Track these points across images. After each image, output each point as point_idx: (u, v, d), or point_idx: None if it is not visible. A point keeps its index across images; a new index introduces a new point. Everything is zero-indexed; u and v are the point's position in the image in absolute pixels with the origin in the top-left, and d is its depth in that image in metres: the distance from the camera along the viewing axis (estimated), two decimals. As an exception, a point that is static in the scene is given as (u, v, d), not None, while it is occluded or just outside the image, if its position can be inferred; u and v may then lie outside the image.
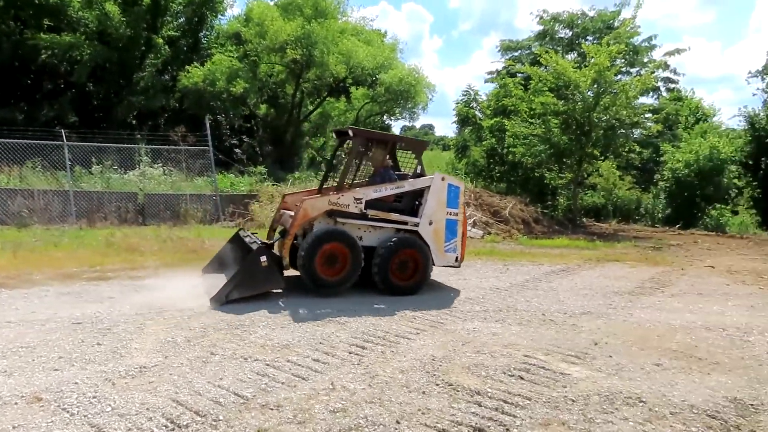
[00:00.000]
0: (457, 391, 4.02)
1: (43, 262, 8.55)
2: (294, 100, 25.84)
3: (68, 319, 5.61)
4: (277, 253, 7.24)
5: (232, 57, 23.83)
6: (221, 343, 4.97)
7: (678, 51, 24.07)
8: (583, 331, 5.78)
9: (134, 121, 24.21)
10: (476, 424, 3.50)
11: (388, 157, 7.99)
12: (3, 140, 13.24)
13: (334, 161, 8.53)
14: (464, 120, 26.15)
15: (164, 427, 3.35)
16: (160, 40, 23.75)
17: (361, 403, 3.77)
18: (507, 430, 3.45)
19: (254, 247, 6.87)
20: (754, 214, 20.58)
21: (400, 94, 25.89)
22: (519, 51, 27.95)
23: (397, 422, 3.49)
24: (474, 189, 17.28)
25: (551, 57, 17.64)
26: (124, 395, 3.78)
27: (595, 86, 16.79)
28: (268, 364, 4.45)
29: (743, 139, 21.42)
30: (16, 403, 3.61)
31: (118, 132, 18.22)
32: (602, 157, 19.42)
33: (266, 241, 7.40)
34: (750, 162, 20.86)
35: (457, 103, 26.63)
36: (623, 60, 21.36)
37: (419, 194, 7.57)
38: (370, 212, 7.16)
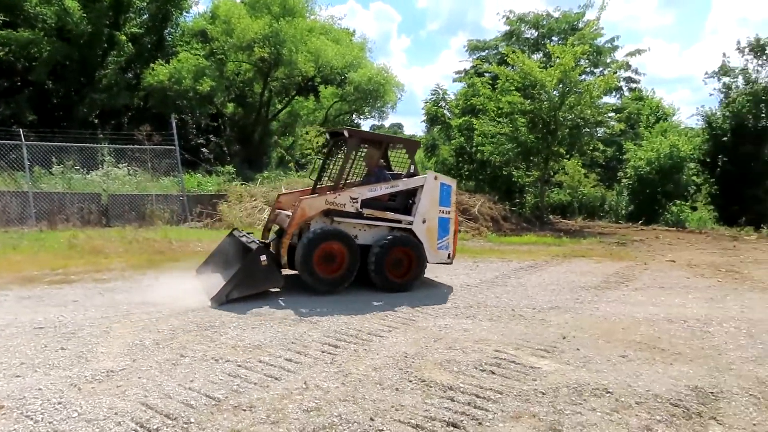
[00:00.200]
0: (430, 386, 4.06)
1: (1, 266, 8.26)
2: (262, 98, 25.56)
3: (30, 324, 5.43)
4: (274, 253, 7.22)
5: (199, 55, 23.42)
6: (191, 344, 4.89)
7: (639, 51, 24.77)
8: (551, 326, 5.90)
9: (96, 120, 23.56)
10: (449, 418, 3.54)
11: (369, 155, 8.07)
12: (-44, 140, 12.72)
13: (327, 161, 8.51)
14: (433, 119, 26.33)
15: (134, 432, 3.28)
16: (123, 37, 23.17)
17: (335, 401, 3.76)
18: (479, 423, 3.50)
19: (253, 246, 6.86)
20: (712, 210, 21.35)
21: (369, 93, 25.89)
22: (486, 51, 28.30)
23: (371, 419, 3.51)
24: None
25: (518, 57, 17.93)
26: (91, 400, 3.68)
27: (561, 86, 17.14)
28: (239, 365, 4.40)
29: (701, 138, 22.20)
30: (-24, 412, 3.48)
31: (79, 131, 17.68)
32: (568, 156, 19.83)
33: (264, 241, 7.43)
34: (707, 160, 21.64)
35: (426, 103, 26.81)
36: (587, 60, 21.85)
37: (412, 193, 7.71)
38: (366, 211, 7.27)
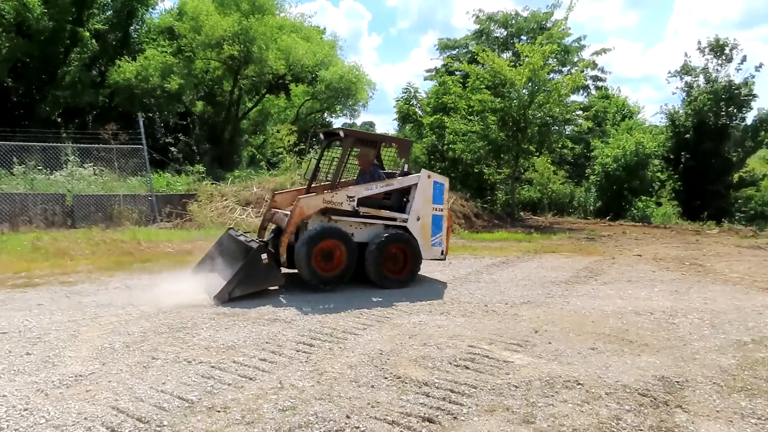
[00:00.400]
0: (406, 383, 4.08)
1: (-39, 269, 7.97)
2: (232, 97, 25.22)
3: (-7, 329, 5.27)
4: (273, 251, 7.21)
5: (166, 52, 22.95)
6: (163, 347, 4.81)
7: (604, 50, 25.33)
8: (523, 320, 5.99)
9: (60, 119, 22.88)
10: (425, 414, 3.57)
11: (363, 154, 8.19)
12: None
13: (321, 161, 8.56)
14: (405, 117, 26.40)
15: (105, 436, 3.22)
16: (87, 34, 22.53)
17: (311, 400, 3.75)
18: (455, 418, 3.54)
19: (253, 245, 6.89)
20: (676, 205, 22.00)
21: (340, 91, 25.81)
22: (457, 49, 28.50)
23: (347, 417, 3.51)
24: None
25: (488, 56, 18.13)
26: (59, 406, 3.59)
27: (530, 84, 17.39)
28: (213, 366, 4.35)
29: (665, 135, 22.84)
30: (-64, 421, 3.36)
31: (42, 130, 17.15)
32: (537, 153, 20.15)
33: (263, 240, 7.47)
34: (671, 156, 22.28)
35: (398, 101, 26.86)
36: (555, 59, 22.22)
37: (407, 191, 7.86)
38: (363, 209, 7.39)
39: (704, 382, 4.25)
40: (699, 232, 16.95)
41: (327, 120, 32.71)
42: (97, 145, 15.40)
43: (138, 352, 4.64)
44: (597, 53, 24.95)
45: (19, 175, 13.71)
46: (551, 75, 19.97)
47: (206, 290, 6.73)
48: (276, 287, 7.06)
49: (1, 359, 4.44)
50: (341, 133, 7.79)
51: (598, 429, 3.43)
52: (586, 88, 27.19)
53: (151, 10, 25.69)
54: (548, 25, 25.24)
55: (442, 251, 8.11)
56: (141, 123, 14.78)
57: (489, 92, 18.22)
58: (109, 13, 24.65)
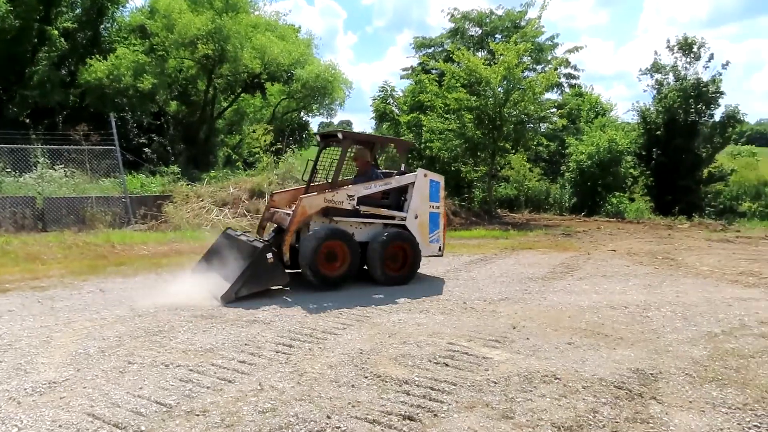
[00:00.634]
0: (386, 381, 4.10)
1: (-74, 276, 7.72)
2: (206, 96, 24.89)
3: (-39, 336, 5.11)
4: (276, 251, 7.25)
5: (138, 51, 22.54)
6: (139, 351, 4.73)
7: (576, 49, 25.53)
8: (502, 317, 6.06)
9: (28, 120, 22.28)
10: (405, 412, 3.59)
11: (360, 156, 8.30)
12: None
13: (318, 163, 8.65)
14: (382, 116, 26.38)
15: (80, 444, 3.16)
16: (55, 32, 22.01)
17: (291, 401, 3.74)
18: (435, 415, 3.56)
19: (257, 245, 6.98)
20: (648, 200, 22.44)
21: (317, 90, 25.69)
22: (432, 48, 28.53)
23: (328, 417, 3.51)
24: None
25: (463, 54, 18.22)
26: (32, 414, 3.51)
27: (505, 83, 17.54)
28: (191, 370, 4.30)
29: (637, 132, 23.26)
30: None
31: (9, 131, 16.68)
32: (513, 151, 20.34)
33: (266, 239, 7.57)
34: (643, 153, 22.71)
35: (374, 99, 26.81)
36: (530, 57, 22.44)
37: (404, 190, 8.06)
38: (363, 208, 7.57)
39: (677, 374, 4.35)
40: (671, 226, 17.33)
41: (304, 119, 32.55)
42: (67, 147, 15.02)
43: (114, 357, 4.57)
44: (570, 51, 25.18)
45: (-14, 177, 13.33)
46: (526, 73, 20.15)
47: (210, 290, 6.75)
48: (280, 287, 7.13)
49: (-30, 368, 4.32)
50: (339, 135, 7.93)
51: (575, 422, 3.49)
52: (559, 86, 27.48)
53: (121, 8, 25.21)
54: (522, 23, 25.44)
55: (440, 247, 8.34)
56: (113, 123, 14.48)
57: (465, 90, 18.32)
58: (78, 11, 24.10)
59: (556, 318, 6.03)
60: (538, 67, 24.21)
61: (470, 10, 26.70)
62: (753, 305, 6.72)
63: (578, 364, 4.55)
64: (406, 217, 7.91)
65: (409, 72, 28.72)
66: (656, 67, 23.12)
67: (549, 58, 25.00)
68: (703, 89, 21.52)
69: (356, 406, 3.68)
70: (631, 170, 22.26)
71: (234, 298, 6.44)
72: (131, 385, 3.99)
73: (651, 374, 4.34)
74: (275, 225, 8.07)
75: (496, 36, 25.73)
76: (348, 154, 8.27)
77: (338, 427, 3.39)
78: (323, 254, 7.12)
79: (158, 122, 27.00)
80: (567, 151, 23.98)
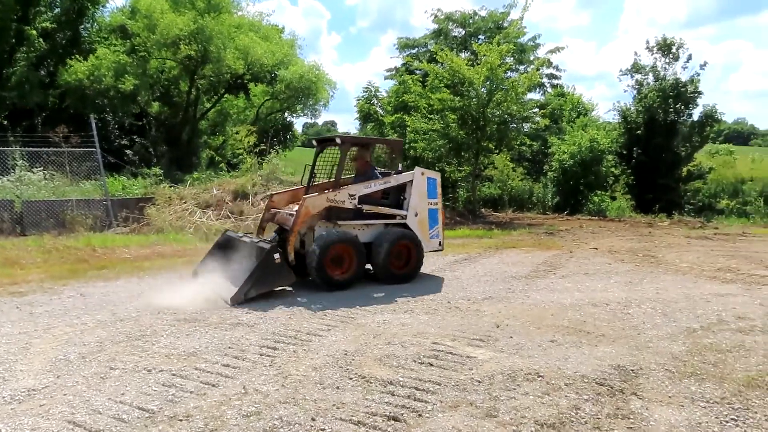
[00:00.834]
0: (371, 382, 4.11)
1: None
2: (189, 97, 24.64)
3: (-63, 344, 5.01)
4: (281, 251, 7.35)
5: (119, 51, 22.24)
6: (121, 356, 4.68)
7: (558, 49, 25.82)
8: (485, 316, 6.10)
9: (6, 121, 21.89)
10: (390, 412, 3.60)
11: (359, 157, 8.47)
12: None
13: (316, 167, 8.83)
14: (366, 116, 26.37)
15: (61, 451, 3.12)
16: (33, 32, 21.63)
17: (275, 404, 3.73)
18: (420, 415, 3.58)
19: (263, 245, 7.03)
20: (629, 198, 22.72)
21: (300, 91, 25.56)
22: (416, 48, 28.61)
23: (313, 419, 3.51)
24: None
25: (446, 55, 18.30)
26: (11, 422, 3.46)
27: (488, 83, 17.65)
28: (174, 374, 4.26)
29: (618, 131, 23.55)
30: None
31: (-14, 134, 16.40)
32: (497, 150, 20.47)
33: (270, 240, 7.60)
34: (624, 152, 23.01)
35: (358, 100, 26.80)
36: (512, 58, 22.60)
37: (402, 189, 8.28)
38: (366, 207, 7.77)
39: (657, 369, 4.43)
40: (651, 224, 17.58)
41: (288, 120, 32.39)
42: (47, 149, 14.79)
43: (95, 363, 4.51)
44: (551, 52, 25.46)
45: (-38, 181, 13.06)
46: (508, 74, 20.31)
47: (217, 293, 6.81)
48: (287, 287, 7.21)
49: (-54, 376, 4.24)
50: (338, 140, 8.05)
51: (558, 419, 3.53)
52: (542, 86, 27.73)
53: (101, 8, 24.84)
54: (505, 24, 25.63)
55: (440, 243, 8.60)
56: (93, 125, 14.29)
57: (448, 91, 18.39)
58: (57, 11, 23.72)
59: (539, 316, 6.08)
60: (521, 68, 24.41)
61: (454, 11, 26.85)
62: (730, 301, 6.85)
63: (561, 361, 4.60)
64: (406, 216, 8.12)
65: (393, 72, 28.78)
66: (636, 68, 23.44)
67: (531, 58, 25.23)
68: (682, 89, 21.85)
69: (341, 407, 3.68)
70: (613, 169, 22.53)
71: (243, 299, 6.49)
72: (113, 391, 3.95)
73: (632, 370, 4.41)
74: (277, 225, 8.16)
75: (480, 37, 25.88)
76: (348, 155, 8.43)
77: (323, 429, 3.39)
78: (330, 258, 7.26)
79: (140, 123, 26.69)
80: (550, 150, 24.21)
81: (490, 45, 18.36)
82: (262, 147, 18.14)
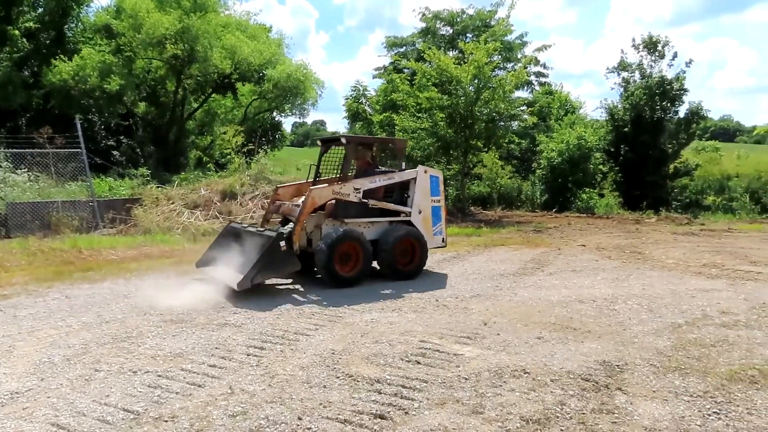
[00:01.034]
0: (358, 381, 4.11)
1: None
2: (176, 97, 24.48)
3: None
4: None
5: (104, 51, 22.04)
6: (106, 358, 4.64)
7: (545, 47, 25.92)
8: (473, 313, 6.12)
9: (-11, 123, 21.63)
10: (377, 410, 3.60)
11: (362, 156, 8.68)
12: None
13: (321, 164, 9.05)
14: (354, 115, 26.38)
15: (44, 455, 3.09)
16: (17, 32, 21.38)
17: (262, 404, 3.72)
18: (406, 413, 3.59)
19: (268, 234, 7.22)
20: (617, 195, 22.86)
21: (288, 90, 25.47)
22: (404, 47, 28.63)
23: (299, 419, 3.50)
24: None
25: (434, 54, 18.32)
26: (-6, 426, 3.42)
27: (476, 81, 17.69)
28: (160, 375, 4.24)
29: (605, 129, 23.70)
30: None
31: (-31, 135, 16.18)
32: (485, 149, 20.51)
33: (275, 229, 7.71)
34: (611, 149, 23.15)
35: (347, 99, 26.79)
36: (500, 56, 22.68)
37: (406, 187, 8.49)
38: (371, 202, 7.94)
39: (642, 364, 4.47)
40: (639, 221, 17.72)
41: (276, 119, 32.27)
42: (31, 150, 14.63)
43: (79, 365, 4.47)
44: (538, 50, 25.52)
45: (-55, 183, 12.88)
46: (496, 72, 20.35)
47: (222, 281, 7.00)
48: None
49: (-73, 380, 4.18)
50: (343, 140, 8.25)
51: (543, 415, 3.55)
52: (529, 84, 27.88)
53: (86, 7, 24.59)
54: (492, 23, 25.70)
55: (443, 239, 8.84)
56: (78, 125, 14.15)
57: (436, 90, 18.41)
58: (40, 10, 23.44)
59: (526, 313, 6.12)
60: (508, 66, 24.50)
61: (441, 9, 26.89)
62: (715, 296, 6.93)
63: (547, 357, 4.63)
64: (410, 213, 8.32)
65: (382, 71, 28.79)
66: (623, 66, 23.57)
67: (518, 56, 25.33)
68: (668, 87, 22.02)
69: (327, 406, 3.68)
70: (601, 166, 22.66)
71: (250, 285, 6.62)
72: (97, 393, 3.91)
73: (617, 366, 4.45)
74: (281, 217, 8.36)
75: (467, 35, 25.95)
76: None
77: (309, 428, 3.38)
78: (338, 256, 7.40)
79: (127, 124, 26.47)
80: (538, 148, 24.30)
81: (477, 43, 18.40)
82: (251, 147, 18.08)
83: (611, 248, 11.22)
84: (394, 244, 7.86)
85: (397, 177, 8.37)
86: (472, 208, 21.24)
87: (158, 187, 15.81)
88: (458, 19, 26.80)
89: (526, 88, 27.26)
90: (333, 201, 7.77)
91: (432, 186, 8.63)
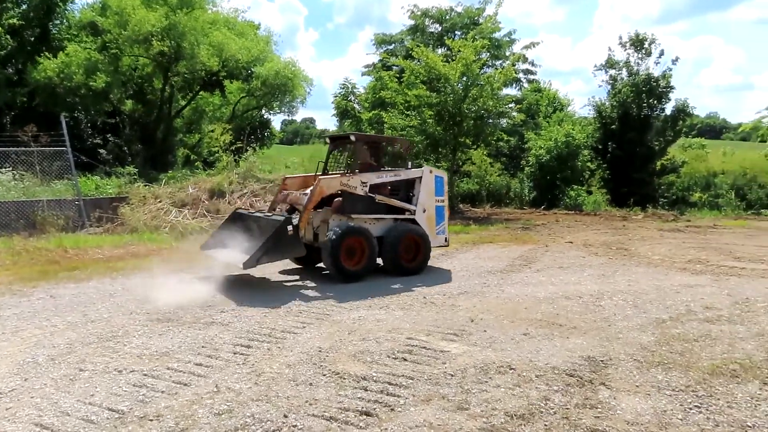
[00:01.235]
0: (344, 378, 4.12)
1: None
2: (163, 94, 24.25)
3: None
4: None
5: (90, 49, 21.79)
6: (91, 357, 4.61)
7: (533, 44, 26.08)
8: (460, 310, 6.15)
9: (-28, 121, 21.34)
10: (363, 407, 3.62)
11: (369, 154, 8.85)
12: None
13: (329, 161, 9.22)
14: (343, 113, 26.32)
15: (26, 455, 3.06)
16: (0, 29, 21.08)
17: (248, 402, 3.72)
18: (392, 410, 3.60)
19: (276, 218, 7.47)
20: (605, 192, 23.05)
21: (277, 88, 25.31)
22: (393, 45, 28.59)
23: (285, 416, 3.50)
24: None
25: (422, 51, 18.32)
26: (-24, 427, 3.39)
27: (464, 79, 17.72)
28: (145, 374, 4.22)
29: (593, 126, 23.84)
30: None
31: (-48, 133, 15.92)
32: (474, 146, 20.56)
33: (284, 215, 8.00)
34: (599, 146, 23.31)
35: (336, 97, 26.72)
36: (488, 54, 22.72)
37: (411, 186, 8.74)
38: (378, 197, 8.16)
39: (626, 360, 4.52)
40: (626, 217, 17.87)
41: (265, 117, 32.10)
42: (15, 149, 14.45)
43: (64, 365, 4.44)
44: (526, 47, 25.67)
45: (-72, 182, 12.69)
46: (484, 69, 20.39)
47: (228, 261, 7.29)
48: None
49: None
50: (352, 138, 8.55)
51: (527, 410, 3.59)
52: (518, 81, 27.95)
53: (71, 4, 24.31)
54: (480, 20, 25.75)
55: (446, 238, 9.06)
56: (64, 123, 14.00)
57: (425, 87, 18.41)
58: (24, 7, 23.13)
59: (513, 310, 6.16)
60: (497, 63, 24.55)
61: (430, 7, 26.88)
62: (699, 291, 7.02)
63: (533, 353, 4.67)
64: (415, 211, 8.53)
65: (371, 69, 28.72)
66: (610, 63, 23.71)
67: (507, 54, 25.38)
68: (654, 84, 22.19)
69: (313, 404, 3.69)
70: (588, 163, 22.81)
71: (255, 265, 6.83)
72: (82, 392, 3.89)
73: (601, 361, 4.49)
74: (288, 206, 8.61)
75: (456, 33, 25.97)
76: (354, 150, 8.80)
77: (295, 426, 3.39)
78: (344, 250, 7.60)
79: (113, 122, 26.18)
80: (526, 145, 24.40)
81: (465, 41, 18.43)
82: (239, 145, 17.99)
83: (598, 245, 11.31)
84: (398, 241, 8.09)
85: (404, 174, 8.62)
86: (461, 205, 21.29)
87: (146, 185, 15.68)
88: (447, 17, 26.81)
89: (514, 85, 27.31)
90: (340, 198, 7.99)
91: (436, 186, 8.84)
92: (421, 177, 8.68)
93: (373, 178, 8.21)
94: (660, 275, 8.16)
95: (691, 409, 3.63)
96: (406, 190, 8.76)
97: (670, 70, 22.62)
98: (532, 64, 27.88)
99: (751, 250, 10.46)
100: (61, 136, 13.93)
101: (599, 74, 24.28)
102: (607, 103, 23.37)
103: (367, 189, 8.05)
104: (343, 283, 7.56)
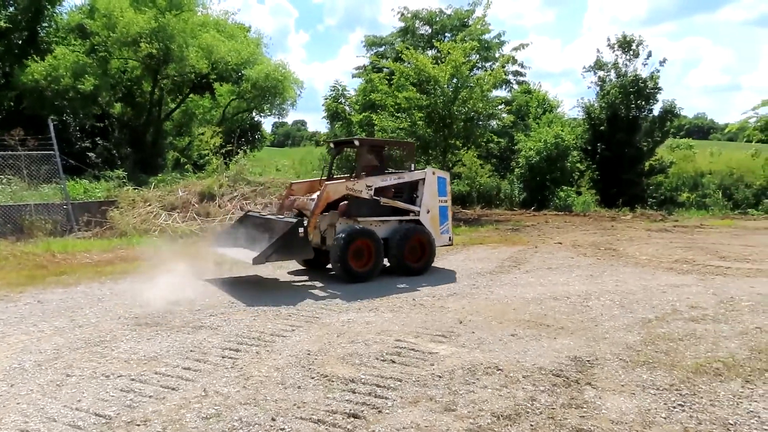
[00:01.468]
0: (332, 381, 4.13)
1: None
2: (153, 97, 24.16)
3: None
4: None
5: (78, 51, 21.65)
6: (78, 362, 4.59)
7: (522, 46, 26.14)
8: (449, 312, 6.19)
9: (-42, 125, 21.10)
10: (350, 410, 3.63)
11: (374, 157, 9.04)
12: None
13: (333, 168, 9.61)
14: (334, 115, 26.30)
15: (12, 462, 3.05)
16: (-13, 32, 20.93)
17: (236, 405, 3.72)
18: (379, 411, 3.62)
19: (288, 219, 7.65)
20: (594, 193, 23.23)
21: (267, 90, 25.29)
22: (383, 47, 28.62)
23: (273, 419, 3.51)
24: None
25: (411, 54, 18.38)
26: (-39, 434, 3.37)
27: (454, 81, 17.79)
28: (133, 379, 4.21)
29: (582, 128, 24.03)
30: None
31: (-63, 137, 15.74)
32: (464, 148, 20.64)
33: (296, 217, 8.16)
34: (588, 147, 23.49)
35: (326, 99, 26.70)
36: (478, 55, 22.82)
37: (415, 187, 8.89)
38: (383, 200, 8.33)
39: (612, 359, 4.57)
40: (614, 218, 18.02)
41: (255, 120, 32.04)
42: (2, 152, 14.32)
43: (51, 371, 4.42)
44: (516, 49, 25.77)
45: None
46: (474, 71, 20.47)
47: (237, 259, 7.49)
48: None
49: None
50: (356, 142, 8.82)
51: (514, 411, 3.62)
52: (507, 83, 28.07)
53: (59, 6, 24.12)
54: (470, 22, 25.85)
55: (450, 238, 9.24)
56: (51, 127, 13.90)
57: (414, 89, 18.47)
58: (11, 9, 22.94)
59: (501, 311, 6.20)
60: (486, 65, 24.65)
61: (420, 9, 26.93)
62: (685, 291, 7.10)
63: (520, 354, 4.71)
64: (419, 212, 8.69)
65: (361, 71, 28.73)
66: (599, 65, 23.90)
67: (496, 55, 25.49)
68: (642, 85, 22.41)
69: (301, 407, 3.70)
70: (578, 164, 22.98)
71: (264, 261, 7.07)
72: (69, 398, 3.88)
73: (588, 361, 4.54)
74: (295, 211, 8.71)
75: (446, 34, 26.04)
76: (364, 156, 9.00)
77: (283, 429, 3.40)
78: (352, 252, 7.75)
79: (102, 125, 26.01)
80: (516, 147, 24.53)
81: (454, 43, 18.50)
82: (229, 147, 17.93)
83: (587, 245, 11.40)
84: (403, 242, 8.25)
85: (407, 177, 8.78)
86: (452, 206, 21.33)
87: (135, 188, 15.61)
88: (437, 19, 26.87)
89: (504, 87, 27.38)
90: (346, 201, 8.10)
91: (439, 186, 9.00)
92: (424, 179, 8.83)
93: (378, 181, 8.37)
94: (647, 275, 8.24)
95: (674, 407, 3.68)
96: (410, 191, 8.92)
97: (658, 71, 22.87)
98: (522, 65, 27.95)
99: (737, 250, 10.60)
100: (48, 140, 13.83)
101: (588, 76, 24.48)
102: (595, 105, 23.56)
103: (372, 192, 8.22)
104: (351, 283, 7.71)
